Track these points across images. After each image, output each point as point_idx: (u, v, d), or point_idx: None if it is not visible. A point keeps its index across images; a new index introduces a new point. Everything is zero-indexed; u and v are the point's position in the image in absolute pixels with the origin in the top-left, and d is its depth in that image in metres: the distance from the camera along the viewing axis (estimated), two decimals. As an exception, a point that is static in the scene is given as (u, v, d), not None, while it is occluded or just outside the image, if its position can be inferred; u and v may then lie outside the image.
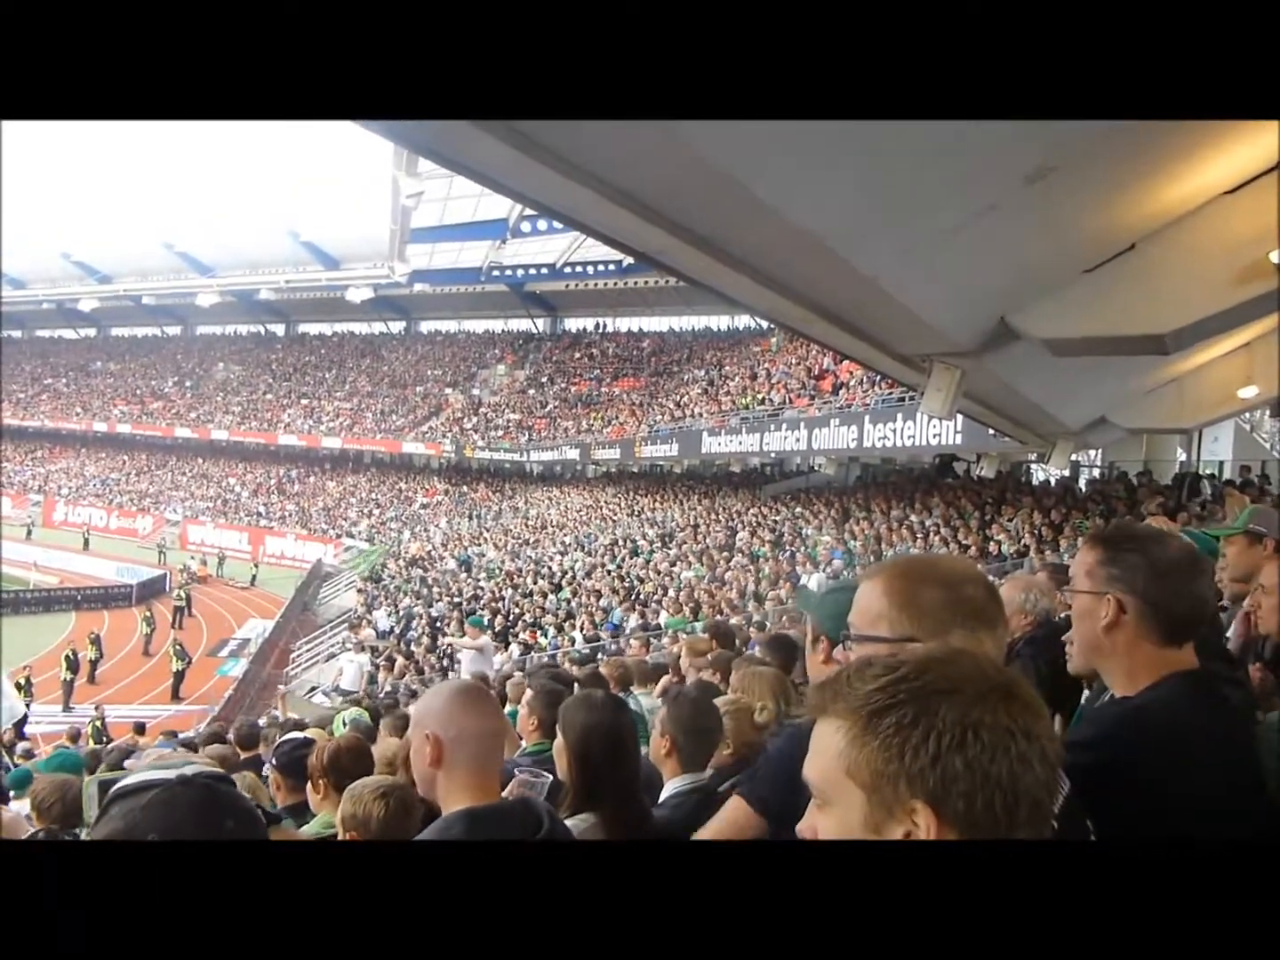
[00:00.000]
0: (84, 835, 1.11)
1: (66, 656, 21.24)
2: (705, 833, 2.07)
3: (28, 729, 15.92)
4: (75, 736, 14.04)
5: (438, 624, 21.57)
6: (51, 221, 45.00)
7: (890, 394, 17.59)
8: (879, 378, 17.79)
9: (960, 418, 12.52)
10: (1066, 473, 16.55)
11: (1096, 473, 17.93)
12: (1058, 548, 12.68)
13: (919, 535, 15.76)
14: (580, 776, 2.44)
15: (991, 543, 14.46)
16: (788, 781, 1.15)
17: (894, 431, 16.39)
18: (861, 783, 0.95)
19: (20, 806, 5.09)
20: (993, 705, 0.93)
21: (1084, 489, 16.39)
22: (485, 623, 18.31)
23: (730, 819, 2.04)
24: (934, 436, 15.38)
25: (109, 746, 11.91)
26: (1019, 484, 17.44)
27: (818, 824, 1.01)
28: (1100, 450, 17.41)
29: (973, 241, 3.52)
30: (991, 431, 12.70)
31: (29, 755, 11.96)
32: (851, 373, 21.79)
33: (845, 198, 2.90)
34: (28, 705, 20.49)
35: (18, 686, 20.54)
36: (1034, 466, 18.41)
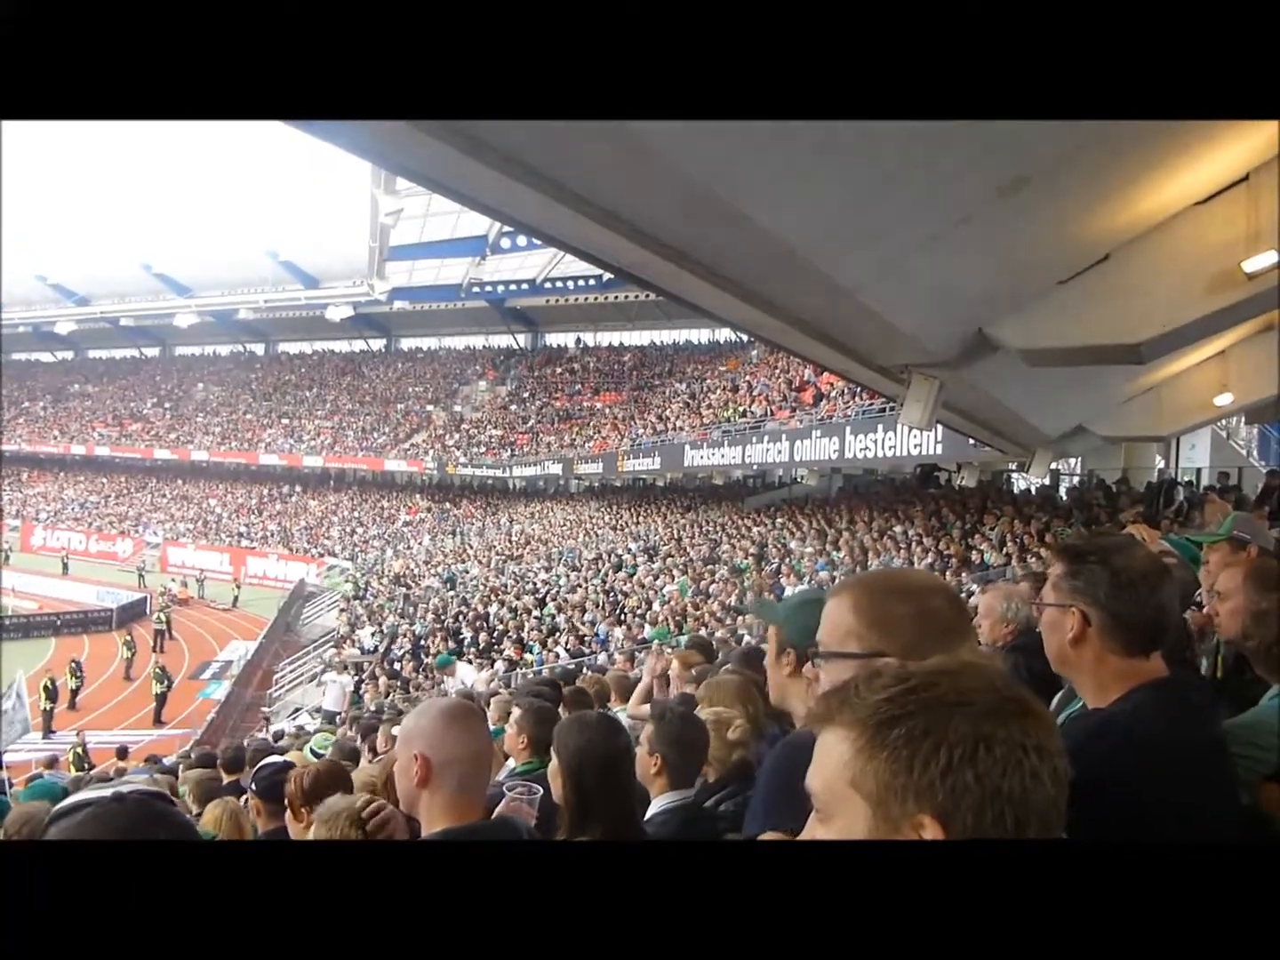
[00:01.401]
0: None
1: (45, 685, 20.93)
2: None
3: (6, 757, 15.69)
4: (51, 763, 13.86)
5: (421, 641, 21.45)
6: (26, 244, 44.69)
7: (871, 405, 17.68)
8: (860, 389, 17.88)
9: (940, 428, 12.60)
10: (1046, 481, 16.66)
11: (1076, 481, 18.06)
12: (1040, 556, 12.74)
13: (902, 546, 15.80)
14: (575, 798, 2.41)
15: (974, 552, 14.52)
16: (798, 797, 1.13)
17: (875, 442, 16.47)
18: (867, 795, 0.92)
19: None
20: (1005, 719, 0.91)
21: (1064, 497, 16.51)
22: (451, 660, 18.24)
23: None
24: (915, 447, 15.46)
25: (90, 774, 11.76)
26: (1000, 493, 17.55)
27: (819, 836, 0.99)
28: (1079, 459, 17.55)
29: (948, 253, 3.54)
30: (971, 441, 12.80)
31: (4, 786, 11.79)
32: (832, 384, 21.88)
33: (821, 209, 2.91)
34: (50, 709, 20.31)
35: (45, 690, 20.35)
36: (1014, 475, 18.54)
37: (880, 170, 2.65)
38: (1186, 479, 15.58)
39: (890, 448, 16.11)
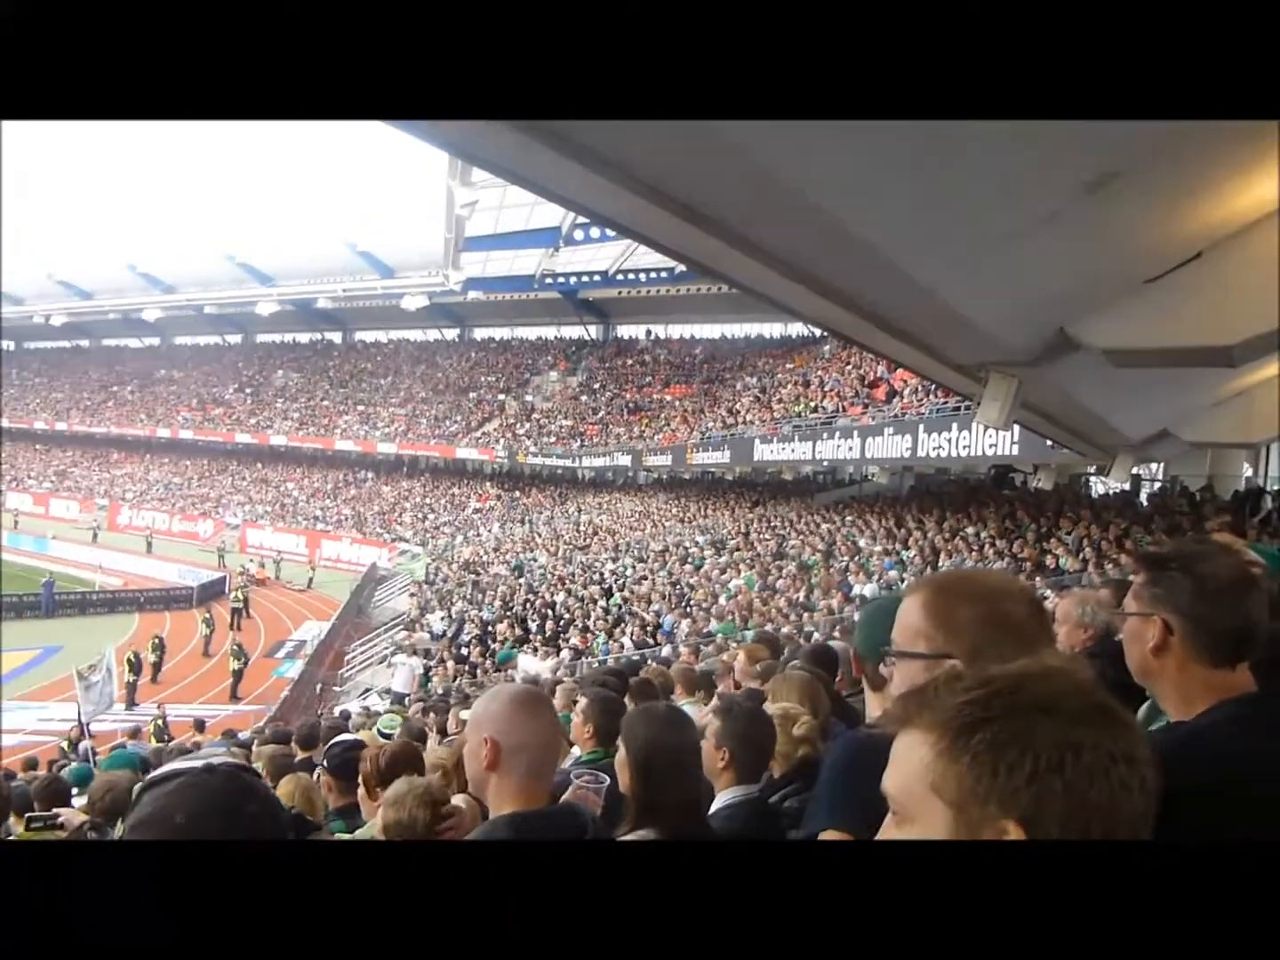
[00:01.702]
0: (116, 831, 1.17)
1: (129, 659, 21.73)
2: None
3: (93, 726, 16.34)
4: (135, 734, 14.38)
5: (489, 628, 21.74)
6: (118, 235, 46.33)
7: (945, 403, 17.36)
8: (934, 386, 17.58)
9: (1017, 428, 12.32)
10: (1127, 486, 16.18)
11: (1158, 487, 17.53)
12: (1118, 563, 12.41)
13: (974, 547, 15.52)
14: (641, 791, 2.40)
15: (1049, 556, 14.20)
16: (867, 797, 1.12)
17: (949, 441, 16.15)
18: (948, 799, 0.90)
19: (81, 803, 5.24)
20: (1093, 726, 0.89)
21: (1145, 503, 16.03)
22: (512, 654, 18.54)
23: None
24: (990, 447, 15.12)
25: (169, 745, 12.18)
26: (1078, 497, 17.10)
27: (894, 839, 0.97)
28: (1162, 464, 17.00)
29: (1032, 250, 3.46)
30: (1049, 442, 12.47)
31: (90, 755, 12.27)
32: (906, 381, 21.55)
33: (902, 204, 2.88)
34: (134, 682, 21.05)
35: (129, 663, 21.16)
36: (1093, 479, 18.05)
37: (965, 165, 2.61)
38: (1276, 488, 15.01)
39: (964, 447, 15.78)
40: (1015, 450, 14.64)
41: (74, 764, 10.78)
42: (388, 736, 5.69)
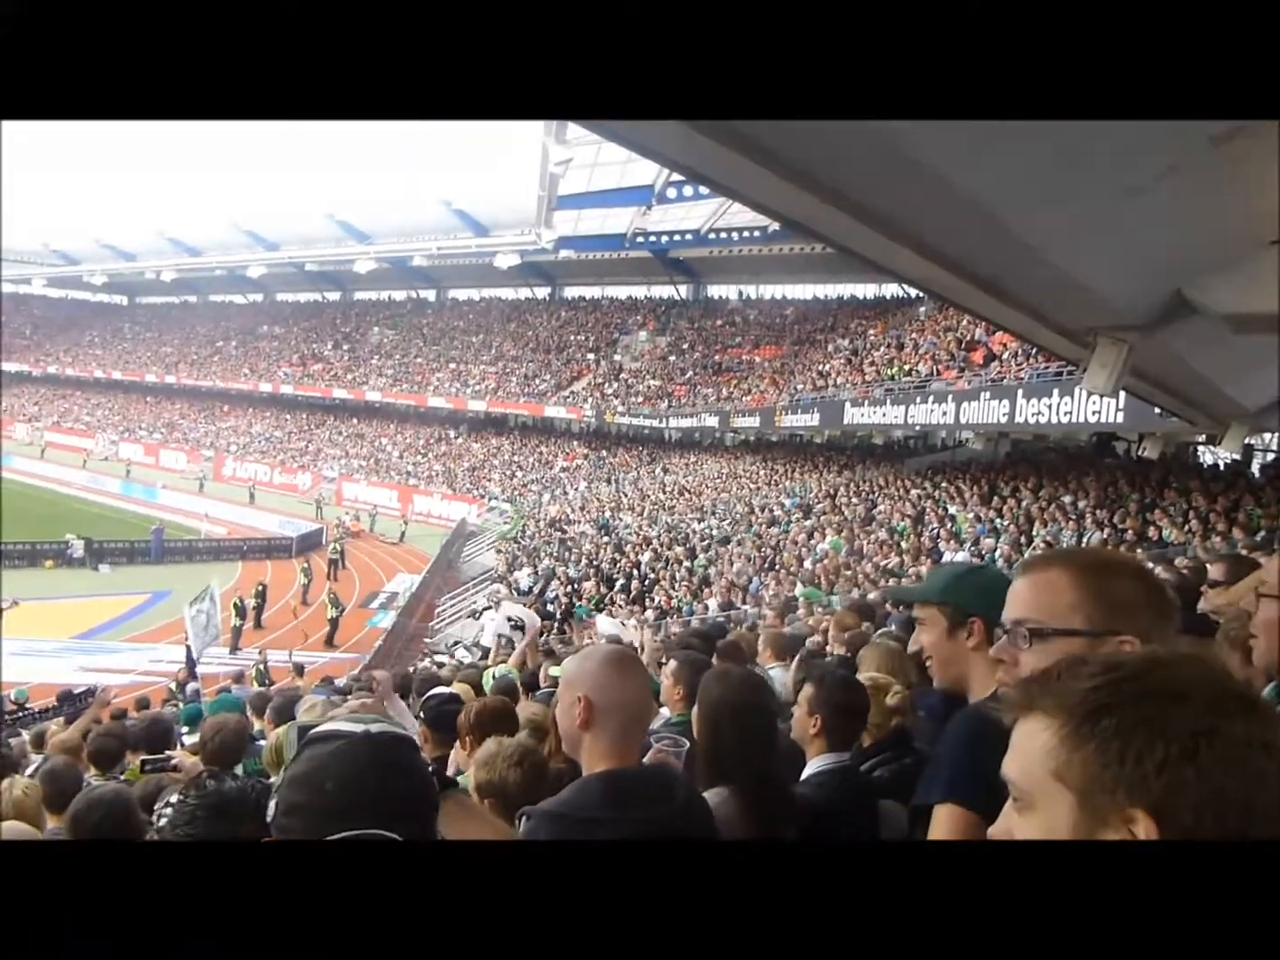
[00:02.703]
0: (273, 777, 1.16)
1: (235, 604, 22.70)
2: None
3: (200, 669, 17.17)
4: (239, 678, 15.07)
5: (575, 585, 22.02)
6: (225, 193, 47.77)
7: (1046, 368, 16.78)
8: (1034, 350, 17.00)
9: (1123, 395, 11.85)
10: (1239, 457, 15.46)
11: (1272, 458, 16.71)
12: (1228, 535, 11.90)
13: (1071, 516, 15.06)
14: (710, 749, 2.43)
15: (1151, 528, 13.69)
16: (986, 774, 1.08)
17: (1049, 407, 15.62)
18: (1073, 786, 0.88)
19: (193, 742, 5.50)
20: (1229, 714, 0.85)
21: (1258, 475, 15.31)
22: (590, 612, 18.69)
23: (957, 835, 1.69)
24: (1093, 414, 14.59)
25: (273, 689, 12.71)
26: (1185, 467, 16.41)
27: (1015, 828, 0.94)
28: (1278, 434, 16.19)
29: (1150, 208, 3.28)
30: (1157, 410, 11.97)
31: (197, 695, 12.89)
32: (1005, 345, 20.90)
33: (1014, 161, 2.75)
34: (239, 627, 22.04)
35: (235, 608, 22.24)
36: (1202, 449, 17.29)
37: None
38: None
39: (1065, 413, 15.25)
40: (1120, 418, 14.10)
41: (185, 705, 11.34)
42: (501, 682, 5.82)
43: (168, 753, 4.42)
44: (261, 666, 17.59)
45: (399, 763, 1.30)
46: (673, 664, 3.60)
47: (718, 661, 4.65)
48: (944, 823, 1.71)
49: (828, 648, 5.50)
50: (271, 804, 1.26)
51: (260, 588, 25.07)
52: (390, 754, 1.29)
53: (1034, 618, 1.51)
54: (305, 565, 28.64)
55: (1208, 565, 5.27)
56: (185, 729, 7.07)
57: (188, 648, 17.47)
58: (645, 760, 2.39)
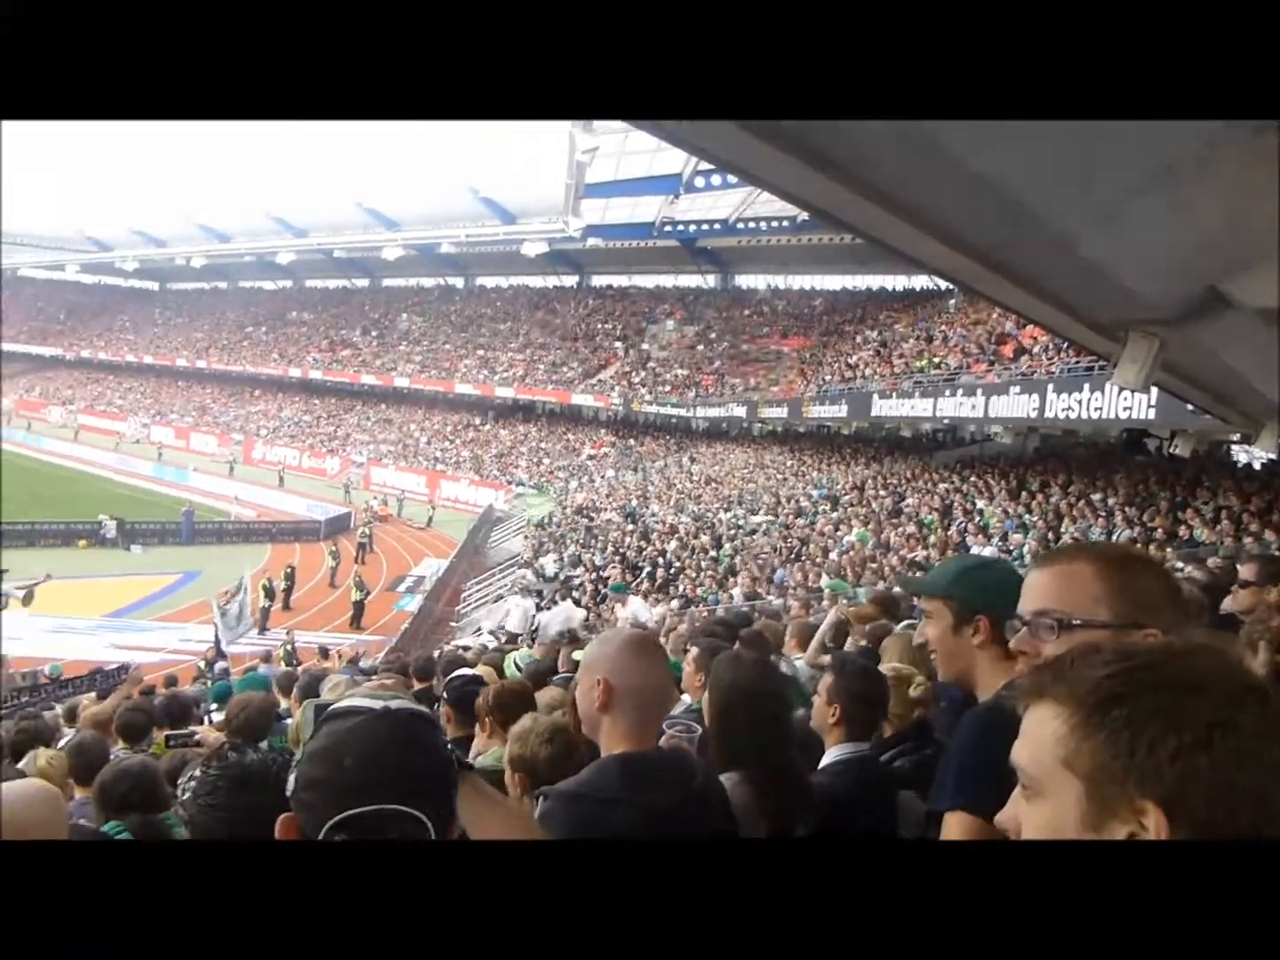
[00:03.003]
0: (297, 753, 1.17)
1: (264, 585, 22.96)
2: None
3: (228, 648, 17.40)
4: (267, 658, 15.25)
5: (600, 572, 22.07)
6: (254, 179, 48.04)
7: (1077, 362, 16.59)
8: (1066, 345, 16.81)
9: (1155, 391, 11.69)
10: (1274, 456, 15.21)
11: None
12: (1261, 536, 11.74)
13: (1101, 514, 14.91)
14: (719, 734, 2.45)
15: (1182, 527, 13.53)
16: (993, 776, 1.08)
17: (1080, 402, 15.43)
18: (1082, 774, 0.87)
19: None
20: (1245, 706, 0.84)
21: (1294, 473, 15.07)
22: (624, 588, 18.64)
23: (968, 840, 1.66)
24: (1124, 410, 14.40)
25: (300, 669, 12.86)
26: (1219, 465, 16.18)
27: (1023, 816, 0.94)
28: (1315, 432, 15.91)
29: (1182, 197, 3.24)
30: (1189, 407, 11.80)
31: (225, 674, 13.05)
32: (1035, 338, 20.68)
33: (1040, 149, 2.72)
34: (268, 608, 22.34)
35: (264, 589, 22.54)
36: (1235, 448, 17.03)
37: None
38: None
39: (1096, 409, 15.06)
40: (1152, 414, 13.91)
41: (213, 683, 11.50)
42: (521, 669, 5.89)
43: (191, 728, 4.49)
44: (289, 647, 17.78)
45: (418, 739, 1.30)
46: (694, 651, 3.62)
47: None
48: (953, 829, 1.69)
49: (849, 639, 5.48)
50: (290, 778, 1.27)
51: (289, 570, 25.33)
52: (410, 730, 1.29)
53: (1057, 609, 1.50)
54: (333, 548, 28.89)
55: (1238, 566, 5.20)
56: (214, 705, 7.16)
57: (216, 627, 17.74)
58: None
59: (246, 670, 12.41)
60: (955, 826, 1.69)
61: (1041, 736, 0.91)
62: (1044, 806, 0.91)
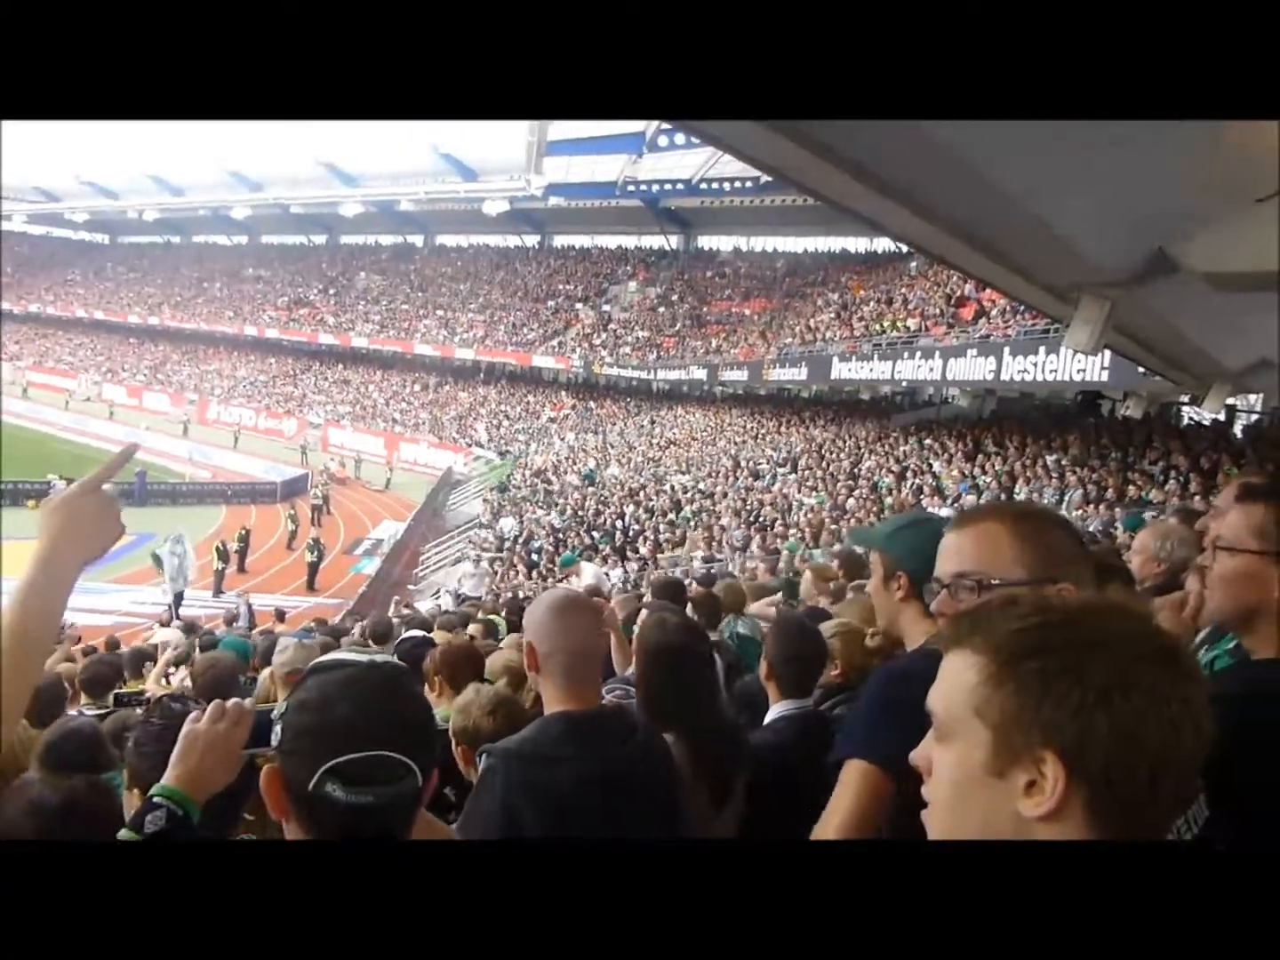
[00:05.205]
0: (274, 713, 1.17)
1: (217, 547, 22.70)
2: (834, 817, 1.66)
3: (182, 610, 17.20)
4: (231, 620, 15.14)
5: (559, 535, 22.09)
6: (208, 131, 46.71)
7: (1033, 325, 16.79)
8: (1022, 308, 16.98)
9: (1108, 354, 11.87)
10: (1221, 417, 15.54)
11: (1254, 419, 16.81)
12: (1208, 495, 12.02)
13: (1054, 475, 15.16)
14: (645, 695, 2.50)
15: (1131, 486, 13.81)
16: (902, 729, 1.11)
17: (1035, 365, 15.65)
18: (990, 723, 0.90)
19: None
20: (1149, 667, 0.87)
21: (1239, 435, 15.42)
22: (574, 559, 18.58)
23: (861, 790, 1.66)
24: (1079, 372, 14.63)
25: (255, 631, 12.78)
26: (1168, 426, 16.51)
27: (934, 756, 0.97)
28: (1260, 395, 16.27)
29: (1131, 160, 3.27)
30: (1142, 370, 12.00)
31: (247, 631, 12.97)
32: (994, 301, 20.85)
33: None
34: (221, 570, 22.00)
35: (217, 551, 22.28)
36: (1185, 409, 17.37)
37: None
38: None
39: (1051, 371, 15.28)
40: (1105, 376, 14.16)
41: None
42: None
43: (142, 687, 4.45)
44: (244, 608, 17.64)
45: (406, 690, 1.34)
46: (645, 616, 3.65)
47: (694, 612, 4.70)
48: (848, 778, 1.70)
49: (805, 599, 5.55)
50: (276, 730, 1.28)
51: (244, 532, 25.02)
52: (397, 682, 1.33)
53: (975, 570, 1.53)
54: (292, 511, 28.57)
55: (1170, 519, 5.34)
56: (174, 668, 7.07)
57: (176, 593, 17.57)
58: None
59: (226, 635, 12.30)
60: (849, 775, 1.69)
61: (956, 683, 0.94)
62: (953, 750, 0.95)
